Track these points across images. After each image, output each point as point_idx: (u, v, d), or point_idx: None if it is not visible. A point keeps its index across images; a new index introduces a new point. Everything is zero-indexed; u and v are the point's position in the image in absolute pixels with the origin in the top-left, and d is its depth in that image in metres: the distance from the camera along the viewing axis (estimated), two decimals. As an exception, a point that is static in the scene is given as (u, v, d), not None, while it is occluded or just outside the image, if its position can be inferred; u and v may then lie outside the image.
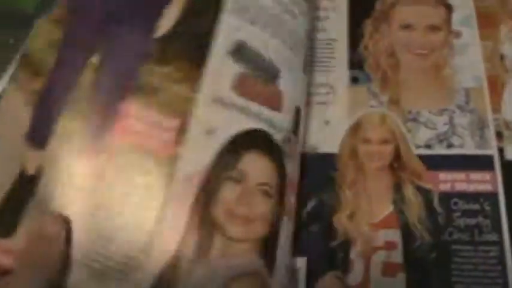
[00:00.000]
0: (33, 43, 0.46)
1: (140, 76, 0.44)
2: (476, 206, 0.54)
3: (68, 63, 0.45)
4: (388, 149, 0.57)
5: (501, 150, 0.56)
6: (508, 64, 0.60)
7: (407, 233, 0.53)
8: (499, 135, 0.57)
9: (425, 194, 0.55)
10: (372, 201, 0.55)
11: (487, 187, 0.55)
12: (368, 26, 0.62)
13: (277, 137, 0.47)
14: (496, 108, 0.58)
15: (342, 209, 0.54)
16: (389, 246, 0.53)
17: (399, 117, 0.58)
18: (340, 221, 0.54)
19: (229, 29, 0.48)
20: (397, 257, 0.53)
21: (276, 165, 0.47)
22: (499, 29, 0.62)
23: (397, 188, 0.55)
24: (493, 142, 0.57)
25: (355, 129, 0.58)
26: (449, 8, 0.63)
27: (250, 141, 0.46)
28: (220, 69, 0.46)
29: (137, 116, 0.43)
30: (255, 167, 0.45)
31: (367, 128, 0.57)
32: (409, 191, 0.55)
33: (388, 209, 0.54)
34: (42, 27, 0.46)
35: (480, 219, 0.54)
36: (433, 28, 0.61)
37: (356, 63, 0.61)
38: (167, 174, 0.42)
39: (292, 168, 0.49)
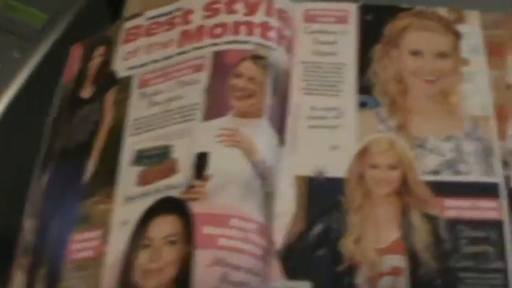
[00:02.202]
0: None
1: (80, 211, 0.59)
2: (482, 234, 0.54)
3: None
4: (396, 174, 0.57)
5: (507, 178, 0.57)
6: (515, 93, 0.61)
7: (413, 260, 0.53)
8: (505, 163, 0.58)
9: (431, 220, 0.55)
10: (379, 227, 0.55)
11: (492, 215, 0.55)
12: (377, 51, 0.63)
13: (175, 193, 0.55)
14: (502, 137, 0.59)
15: (348, 234, 0.54)
16: (395, 272, 0.53)
17: (407, 143, 0.58)
18: (347, 245, 0.54)
19: (130, 146, 0.60)
20: (403, 283, 0.53)
21: (178, 214, 0.54)
22: (507, 59, 0.63)
23: (404, 214, 0.55)
24: (499, 170, 0.57)
25: (363, 154, 0.58)
26: (458, 36, 0.63)
27: (151, 211, 0.55)
28: (126, 177, 0.59)
29: (77, 240, 0.58)
30: (160, 228, 0.54)
31: (375, 153, 0.58)
32: (415, 218, 0.55)
33: (395, 234, 0.55)
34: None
35: (486, 246, 0.54)
36: (442, 55, 0.62)
37: (365, 88, 0.61)
38: (101, 265, 0.55)
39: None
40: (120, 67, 0.65)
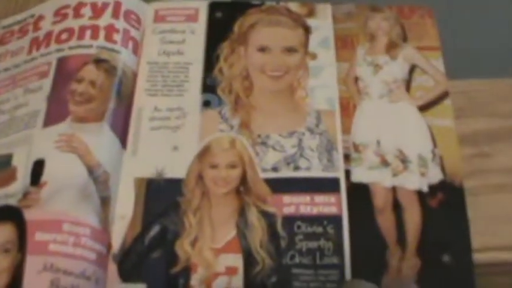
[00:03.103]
0: None
1: None
2: (319, 229, 0.54)
3: None
4: (236, 173, 0.57)
5: (348, 173, 0.57)
6: (362, 86, 0.61)
7: (248, 258, 0.54)
8: (347, 157, 0.57)
9: (268, 217, 0.55)
10: (216, 227, 0.55)
11: (331, 210, 0.55)
12: (224, 48, 0.62)
13: (12, 201, 0.55)
14: (347, 131, 0.58)
15: (185, 235, 0.55)
16: (230, 271, 0.53)
17: (249, 140, 0.58)
18: (183, 247, 0.54)
19: None
20: (238, 282, 0.53)
21: (13, 222, 0.54)
22: (356, 51, 0.62)
23: (241, 212, 0.55)
24: (341, 164, 0.57)
25: (204, 154, 0.58)
26: (307, 30, 0.63)
27: None
28: None
29: None
30: None
31: (216, 152, 0.57)
32: (252, 215, 0.55)
33: (231, 234, 0.55)
34: None
35: (322, 242, 0.54)
36: (289, 50, 0.61)
37: (210, 87, 0.61)
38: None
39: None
40: None
